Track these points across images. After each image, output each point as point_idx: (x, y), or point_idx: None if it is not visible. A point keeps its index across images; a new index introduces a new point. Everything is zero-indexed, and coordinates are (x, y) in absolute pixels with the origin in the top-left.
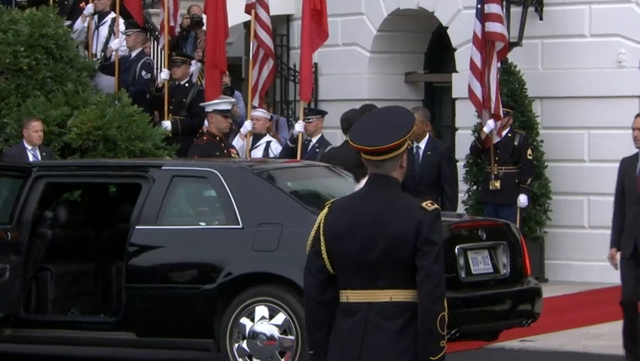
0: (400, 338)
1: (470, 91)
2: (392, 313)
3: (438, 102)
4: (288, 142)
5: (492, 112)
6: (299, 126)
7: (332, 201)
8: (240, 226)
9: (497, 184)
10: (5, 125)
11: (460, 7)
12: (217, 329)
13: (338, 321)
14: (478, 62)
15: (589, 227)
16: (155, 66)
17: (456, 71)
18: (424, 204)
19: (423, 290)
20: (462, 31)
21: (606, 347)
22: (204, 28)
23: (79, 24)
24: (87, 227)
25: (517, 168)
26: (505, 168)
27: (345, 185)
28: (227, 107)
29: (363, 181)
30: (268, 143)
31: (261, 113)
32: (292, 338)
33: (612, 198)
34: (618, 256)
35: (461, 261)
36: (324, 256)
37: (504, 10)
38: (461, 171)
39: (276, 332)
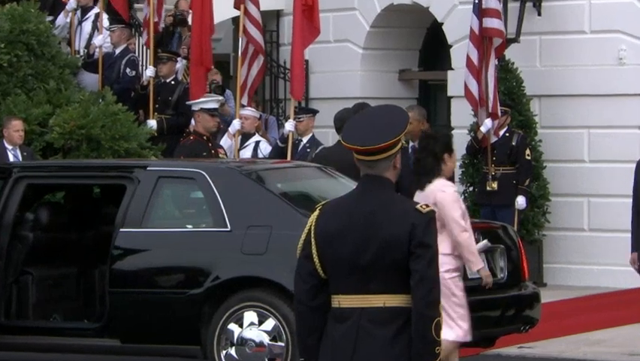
0: (394, 344)
1: (466, 89)
2: (385, 319)
3: (433, 101)
4: (278, 142)
5: (489, 111)
6: (289, 125)
7: (323, 202)
8: (228, 229)
9: (494, 185)
10: None
11: (456, 2)
12: (204, 335)
13: (329, 327)
14: (474, 59)
15: (589, 230)
16: (140, 63)
17: (452, 69)
18: (418, 206)
19: (417, 295)
20: (458, 27)
21: (607, 353)
22: (189, 23)
23: (61, 19)
24: (70, 230)
25: (514, 169)
26: (503, 169)
27: (338, 186)
28: (215, 105)
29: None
30: (257, 143)
31: (249, 111)
32: (282, 344)
33: (613, 200)
34: None
35: None
36: (316, 259)
37: (502, 5)
38: (457, 171)
39: (265, 339)
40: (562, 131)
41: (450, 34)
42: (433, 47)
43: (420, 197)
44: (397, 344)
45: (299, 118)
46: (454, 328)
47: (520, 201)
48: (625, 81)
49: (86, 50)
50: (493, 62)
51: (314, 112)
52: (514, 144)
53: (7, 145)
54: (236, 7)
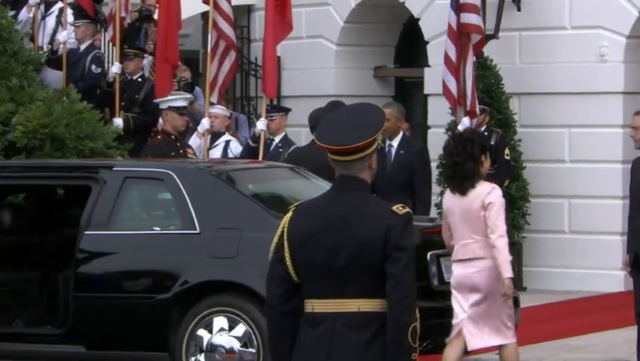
0: (368, 350)
1: (444, 87)
2: (360, 324)
3: (409, 98)
4: (250, 141)
5: (467, 109)
6: (261, 124)
7: (297, 204)
8: (197, 231)
9: None
10: None
11: None
12: (172, 341)
13: (302, 332)
14: (452, 55)
15: (570, 232)
16: (106, 60)
17: (428, 66)
18: (394, 207)
19: (392, 299)
20: (435, 22)
21: (588, 360)
22: (155, 19)
23: (24, 14)
24: (32, 232)
25: (493, 169)
26: None
27: (311, 187)
28: (183, 103)
29: None
30: (227, 142)
31: (219, 110)
32: (253, 350)
33: (595, 201)
34: None
35: (433, 268)
36: (288, 262)
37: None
38: (434, 172)
39: (235, 345)
40: (542, 130)
41: (427, 30)
42: (410, 43)
43: (459, 202)
44: (372, 350)
45: (271, 117)
46: (512, 329)
47: None
48: (607, 79)
49: (49, 46)
50: (471, 58)
51: (286, 110)
52: (492, 143)
53: None
54: (205, 1)
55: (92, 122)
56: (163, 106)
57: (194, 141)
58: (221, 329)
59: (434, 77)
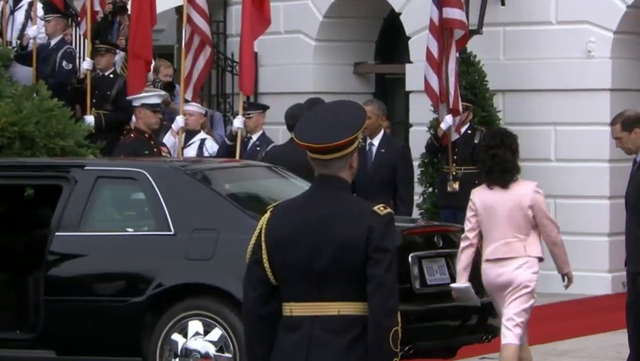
0: (348, 355)
1: (426, 83)
2: (340, 328)
3: (390, 96)
4: (226, 140)
5: (450, 107)
6: (238, 122)
7: (275, 204)
8: (172, 233)
9: (456, 186)
10: None
11: None
12: (146, 346)
13: (280, 337)
14: (434, 51)
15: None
16: (78, 55)
17: (410, 62)
18: (375, 208)
19: (374, 302)
20: (417, 17)
21: None
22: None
23: None
24: (1, 234)
25: (477, 168)
26: (465, 169)
27: (289, 187)
28: (157, 100)
29: None
30: (202, 140)
31: (194, 107)
32: (229, 355)
33: (581, 201)
34: None
35: (415, 270)
36: (266, 265)
37: None
38: (416, 171)
39: (211, 350)
40: (527, 128)
41: (408, 25)
42: (391, 39)
43: (501, 199)
44: (352, 355)
45: (248, 114)
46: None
47: None
48: (594, 75)
49: (18, 42)
50: (454, 54)
51: (264, 108)
52: (476, 141)
53: None
54: None
55: (62, 119)
56: (136, 103)
57: (168, 139)
58: (197, 334)
59: (416, 73)
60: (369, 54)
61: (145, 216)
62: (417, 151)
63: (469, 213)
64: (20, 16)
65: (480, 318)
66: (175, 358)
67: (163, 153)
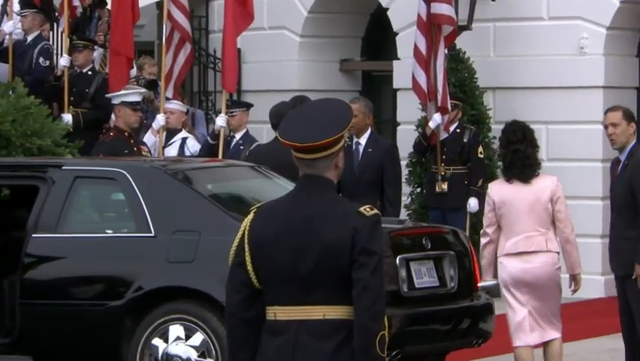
0: (334, 360)
1: (414, 81)
2: (325, 333)
3: (377, 93)
4: (209, 138)
5: (438, 105)
6: (221, 120)
7: (258, 205)
8: (152, 234)
9: (444, 186)
10: None
11: None
12: (126, 351)
13: (264, 342)
14: (422, 48)
15: None
16: (55, 52)
17: (397, 59)
18: (361, 208)
19: (360, 306)
20: (404, 13)
21: None
22: (108, 7)
23: None
24: None
25: (466, 168)
26: (453, 168)
27: (273, 187)
28: (137, 98)
29: None
30: (184, 139)
31: (175, 105)
32: None
33: (574, 202)
34: None
35: (403, 273)
36: (249, 267)
37: None
38: (404, 171)
39: (193, 355)
40: None
41: (395, 20)
42: (378, 35)
43: (521, 192)
44: (338, 360)
45: (231, 112)
46: (560, 323)
47: (473, 203)
48: (586, 72)
49: None
50: (442, 51)
51: (248, 106)
52: (465, 140)
53: None
54: None
55: (39, 118)
56: (115, 101)
57: (148, 138)
58: (178, 338)
59: (403, 70)
60: (355, 50)
61: (124, 218)
62: (404, 150)
63: (486, 209)
64: None
65: (470, 322)
66: None
67: (143, 153)
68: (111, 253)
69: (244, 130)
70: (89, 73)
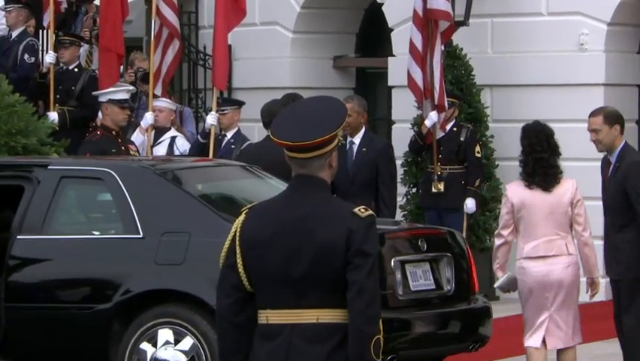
0: None
1: (409, 78)
2: (319, 337)
3: (372, 91)
4: (199, 137)
5: (434, 102)
6: (211, 119)
7: (249, 206)
8: (141, 236)
9: (440, 186)
10: None
11: None
12: (113, 356)
13: (256, 346)
14: (418, 44)
15: None
16: (40, 48)
17: (393, 55)
18: (356, 209)
19: (354, 309)
20: (399, 8)
21: None
22: (96, 2)
23: None
24: None
25: (463, 168)
26: (450, 168)
27: (265, 188)
28: (125, 96)
29: None
30: (173, 138)
31: (164, 103)
32: None
33: None
34: None
35: (398, 276)
36: (241, 270)
37: None
38: (399, 171)
39: (182, 360)
40: (516, 125)
41: (391, 16)
42: (372, 31)
43: (541, 197)
44: None
45: (222, 110)
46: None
47: (470, 204)
48: (587, 69)
49: None
50: (439, 47)
51: (240, 104)
52: (462, 139)
53: None
54: None
55: (24, 116)
56: (102, 99)
57: (136, 137)
58: (167, 343)
59: (399, 67)
60: (349, 47)
61: (112, 219)
62: (400, 150)
63: (503, 210)
64: None
65: (467, 326)
66: None
67: (131, 152)
68: (98, 255)
69: (235, 129)
70: (76, 70)
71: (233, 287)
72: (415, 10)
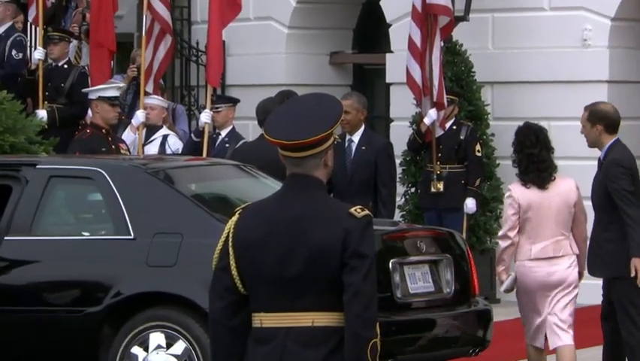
0: None
1: (408, 75)
2: (314, 340)
3: (369, 88)
4: (192, 136)
5: (434, 100)
6: (205, 117)
7: (243, 206)
8: (132, 237)
9: (440, 186)
10: None
11: None
12: (104, 360)
13: (250, 350)
14: (417, 40)
15: None
16: (29, 44)
17: (391, 51)
18: (352, 209)
19: (351, 312)
20: (398, 3)
21: None
22: None
23: None
24: None
25: (463, 167)
26: (450, 167)
27: (260, 187)
28: (115, 93)
29: None
30: (165, 137)
31: (156, 101)
32: None
33: None
34: None
35: (396, 278)
36: (234, 272)
37: None
38: (397, 170)
39: None
40: (517, 123)
41: (389, 11)
42: (370, 26)
43: (545, 197)
44: None
45: (217, 108)
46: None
47: (470, 204)
48: (590, 66)
49: None
50: (438, 43)
51: (234, 101)
52: (462, 138)
53: None
54: None
55: (12, 114)
56: (92, 96)
57: (127, 135)
58: (158, 347)
59: (397, 64)
60: (346, 43)
61: (102, 219)
62: (398, 148)
63: (510, 212)
64: None
65: (467, 329)
66: None
67: (122, 151)
68: (88, 256)
69: (230, 127)
70: (65, 67)
71: (226, 290)
72: (413, 5)
